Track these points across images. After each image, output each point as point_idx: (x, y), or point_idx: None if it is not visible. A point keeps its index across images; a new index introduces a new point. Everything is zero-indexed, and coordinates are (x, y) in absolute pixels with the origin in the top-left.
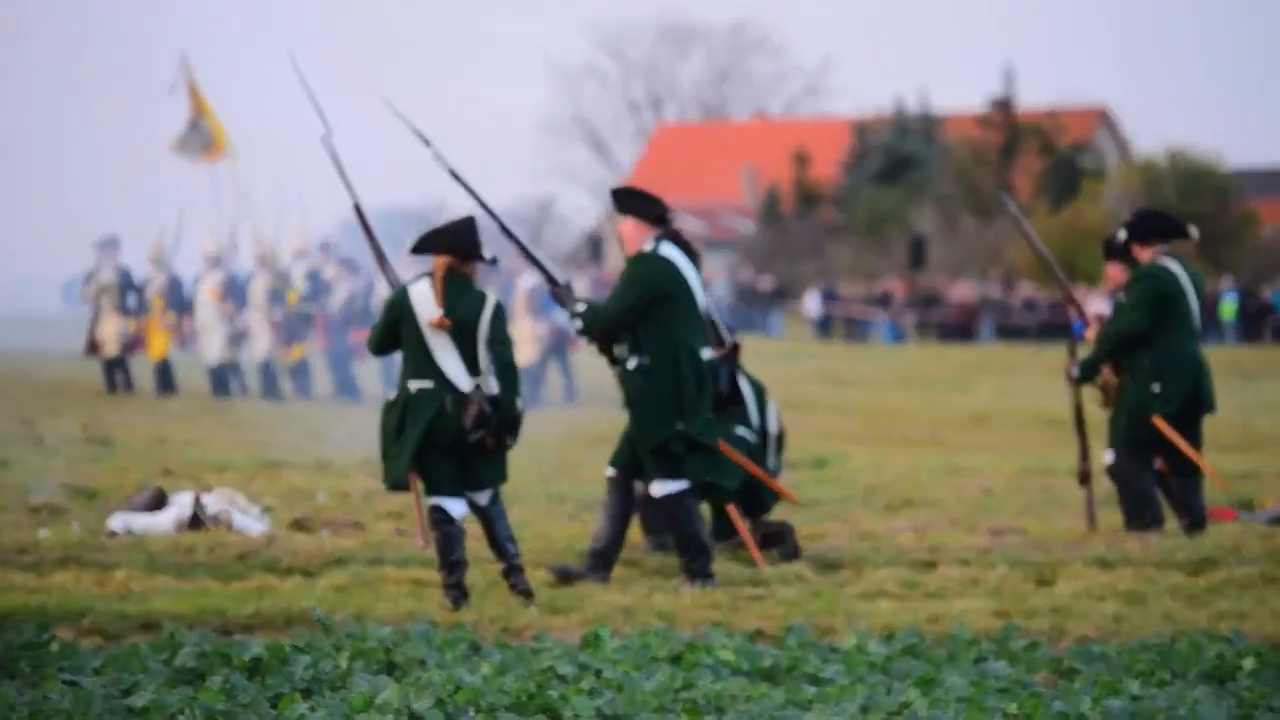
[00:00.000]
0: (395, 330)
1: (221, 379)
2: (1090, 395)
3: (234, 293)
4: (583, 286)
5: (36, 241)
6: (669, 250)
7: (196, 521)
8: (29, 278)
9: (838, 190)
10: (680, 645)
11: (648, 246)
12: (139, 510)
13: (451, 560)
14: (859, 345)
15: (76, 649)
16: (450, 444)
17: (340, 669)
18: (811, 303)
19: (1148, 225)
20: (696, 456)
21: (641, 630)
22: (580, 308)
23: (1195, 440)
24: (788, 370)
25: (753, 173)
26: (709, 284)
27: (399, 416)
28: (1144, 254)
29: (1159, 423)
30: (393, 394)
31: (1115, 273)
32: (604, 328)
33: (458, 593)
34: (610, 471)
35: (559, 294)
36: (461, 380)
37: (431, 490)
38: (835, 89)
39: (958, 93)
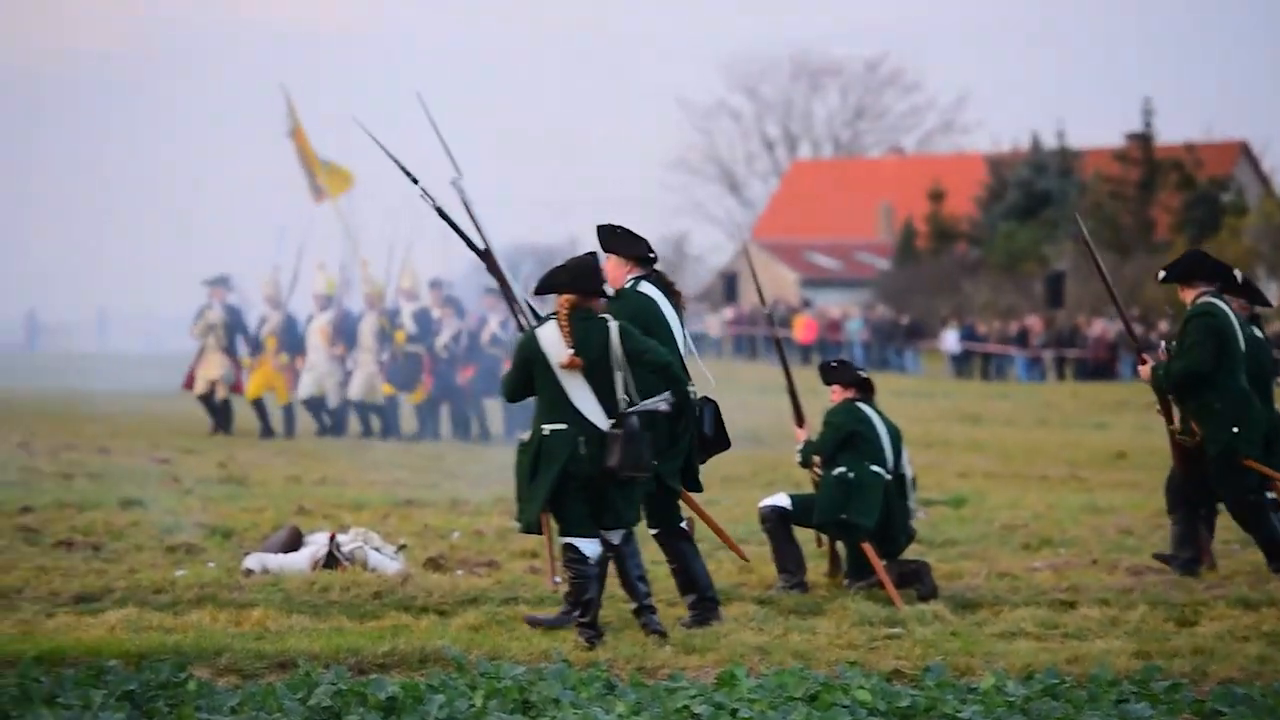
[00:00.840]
0: (529, 375)
1: (334, 419)
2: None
3: (344, 333)
4: (716, 324)
5: (173, 281)
6: (648, 288)
7: (332, 560)
8: (165, 318)
9: (974, 226)
10: (816, 685)
11: (627, 284)
12: (275, 549)
13: (585, 600)
14: (996, 383)
15: (213, 688)
16: (584, 484)
17: (475, 708)
18: (948, 340)
19: (1189, 267)
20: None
21: (777, 670)
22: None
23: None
24: (925, 408)
25: (888, 209)
26: (844, 320)
27: (532, 459)
28: (1188, 295)
29: (1253, 465)
30: (526, 436)
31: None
32: None
33: (592, 632)
34: (653, 532)
35: None
36: (599, 419)
37: (565, 530)
38: (971, 124)
39: (1095, 127)
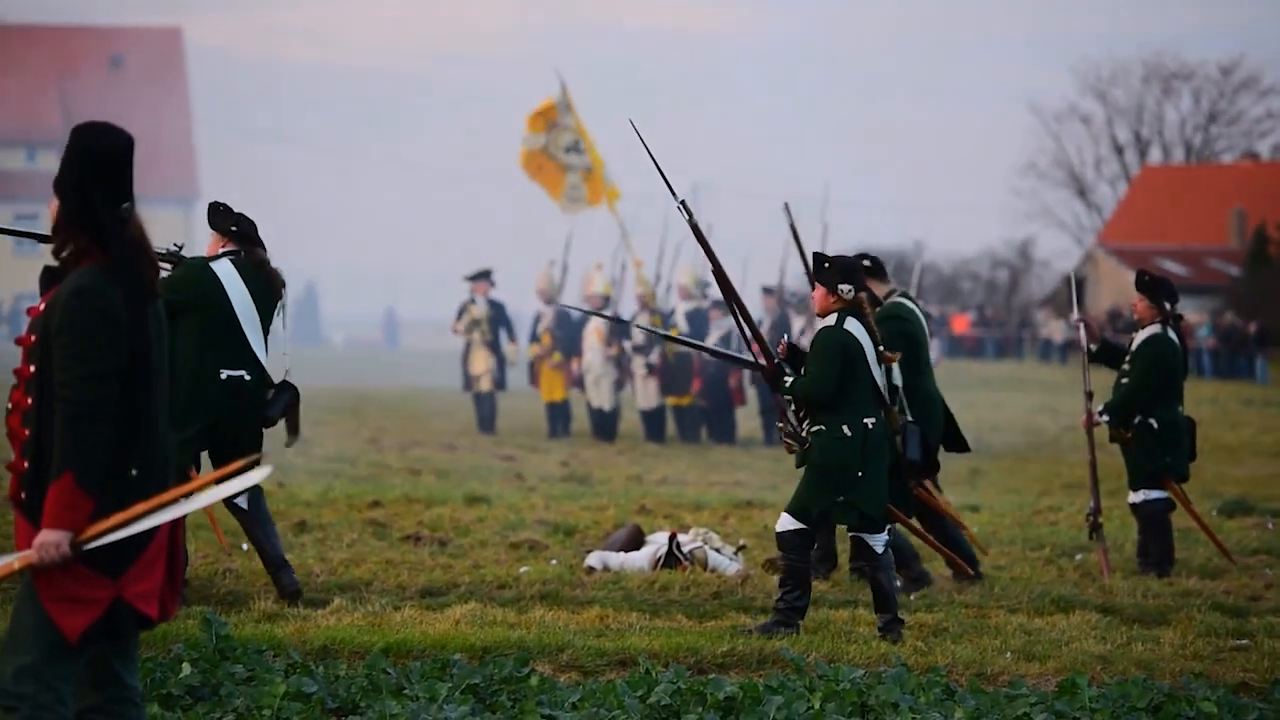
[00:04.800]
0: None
1: (608, 423)
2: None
3: (619, 335)
4: (1059, 330)
5: (520, 278)
6: (221, 265)
7: (672, 559)
8: (521, 315)
9: None
10: (1160, 696)
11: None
12: (616, 548)
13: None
14: None
15: (555, 683)
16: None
17: (813, 710)
18: None
19: (867, 265)
20: None
21: (1120, 679)
22: None
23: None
24: (1274, 418)
25: (1240, 215)
26: (1192, 329)
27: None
28: (877, 290)
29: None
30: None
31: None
32: None
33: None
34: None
35: None
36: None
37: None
38: None
39: None
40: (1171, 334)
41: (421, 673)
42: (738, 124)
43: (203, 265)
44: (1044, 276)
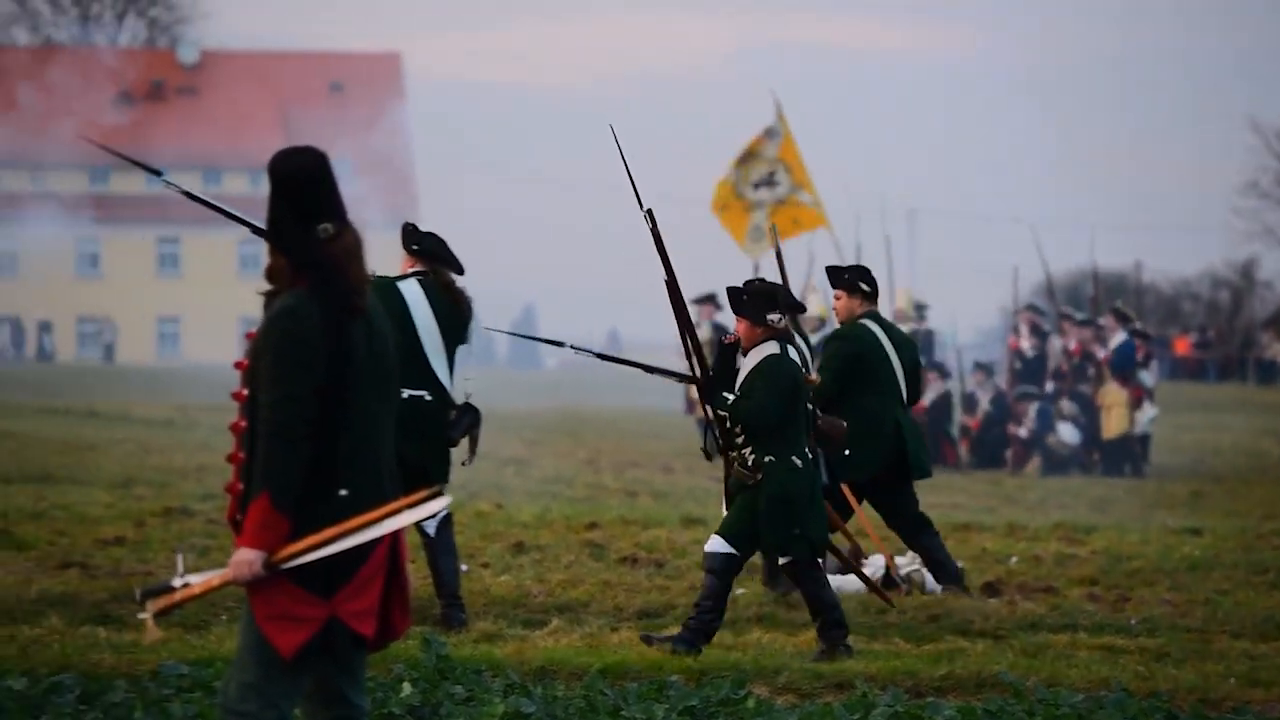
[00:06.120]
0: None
1: None
2: None
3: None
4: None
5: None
6: (407, 285)
7: (889, 582)
8: None
9: None
10: None
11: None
12: (833, 570)
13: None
14: None
15: (772, 706)
16: None
17: None
18: None
19: (859, 275)
20: None
21: None
22: None
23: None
24: None
25: None
26: None
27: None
28: (855, 305)
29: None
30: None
31: None
32: None
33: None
34: None
35: None
36: None
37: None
38: None
39: None
40: None
41: (639, 694)
42: (950, 146)
43: (388, 284)
44: (1267, 298)
